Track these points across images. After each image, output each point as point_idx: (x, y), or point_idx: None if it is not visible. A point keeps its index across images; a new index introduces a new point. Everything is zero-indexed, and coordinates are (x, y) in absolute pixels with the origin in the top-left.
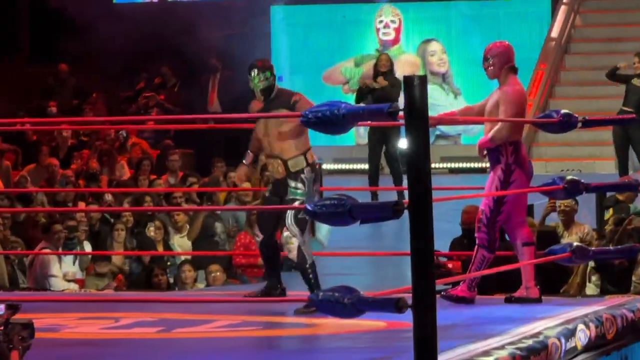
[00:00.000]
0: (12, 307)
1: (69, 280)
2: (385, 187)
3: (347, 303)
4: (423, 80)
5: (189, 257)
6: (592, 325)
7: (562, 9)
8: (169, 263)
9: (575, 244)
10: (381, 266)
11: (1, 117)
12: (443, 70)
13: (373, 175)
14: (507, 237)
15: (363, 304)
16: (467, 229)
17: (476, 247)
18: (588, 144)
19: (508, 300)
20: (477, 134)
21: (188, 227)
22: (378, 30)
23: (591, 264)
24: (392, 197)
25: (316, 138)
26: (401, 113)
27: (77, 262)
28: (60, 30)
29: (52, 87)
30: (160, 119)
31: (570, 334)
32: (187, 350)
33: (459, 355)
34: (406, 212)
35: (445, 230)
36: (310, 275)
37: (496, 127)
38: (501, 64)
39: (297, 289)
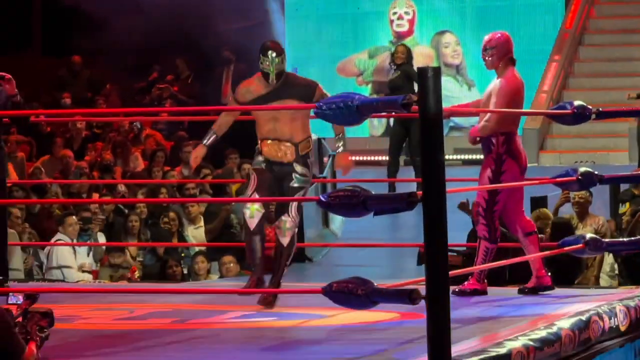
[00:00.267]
0: (31, 297)
1: (83, 271)
2: (398, 179)
3: (361, 294)
4: (437, 71)
5: (203, 248)
6: (605, 317)
7: (576, 1)
8: (182, 254)
9: (589, 235)
10: (395, 257)
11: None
12: (457, 62)
13: (392, 167)
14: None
15: (377, 295)
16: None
17: (478, 240)
18: (602, 135)
19: (521, 292)
20: None
21: (202, 218)
22: (392, 22)
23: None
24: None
25: (329, 129)
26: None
27: (91, 253)
28: (73, 22)
29: (65, 79)
30: (174, 111)
31: (584, 325)
32: (202, 341)
33: (472, 347)
34: (420, 204)
35: (459, 222)
36: (287, 264)
37: (485, 118)
38: (500, 55)
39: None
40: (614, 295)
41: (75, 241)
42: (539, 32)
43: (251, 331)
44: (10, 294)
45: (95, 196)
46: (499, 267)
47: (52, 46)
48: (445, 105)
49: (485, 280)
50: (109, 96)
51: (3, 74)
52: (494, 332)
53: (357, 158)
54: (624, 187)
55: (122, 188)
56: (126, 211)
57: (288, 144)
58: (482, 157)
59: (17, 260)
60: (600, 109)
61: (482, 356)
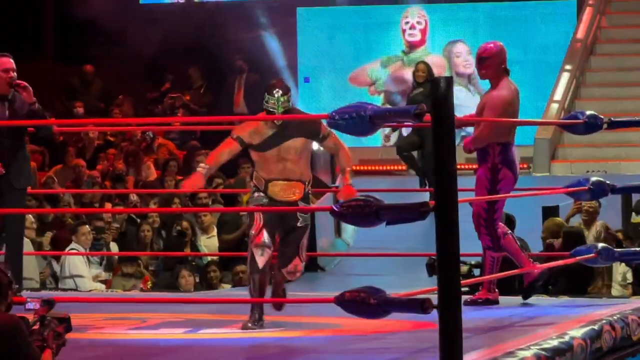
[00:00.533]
0: (48, 303)
1: (96, 281)
2: (409, 189)
3: (373, 303)
4: (449, 81)
5: (215, 257)
6: (617, 327)
7: (588, 10)
8: (193, 262)
9: (600, 245)
10: (407, 267)
11: None
12: (469, 72)
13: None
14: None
15: (389, 305)
16: None
17: (483, 250)
18: (613, 145)
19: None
20: None
21: (215, 228)
22: (404, 31)
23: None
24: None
25: (342, 138)
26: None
27: (104, 263)
28: (86, 31)
29: (77, 88)
30: (187, 120)
31: (596, 334)
32: (214, 350)
33: (484, 356)
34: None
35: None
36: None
37: (478, 131)
38: (494, 65)
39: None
40: (626, 305)
41: (88, 251)
42: (550, 41)
43: (263, 340)
44: (28, 300)
45: (108, 206)
46: (508, 276)
47: (64, 55)
48: (457, 115)
49: (497, 290)
50: (121, 106)
51: (19, 82)
52: (505, 341)
53: (370, 168)
54: (636, 197)
55: (134, 198)
56: (138, 220)
57: (297, 182)
58: None
59: (31, 269)
60: (612, 119)
61: None
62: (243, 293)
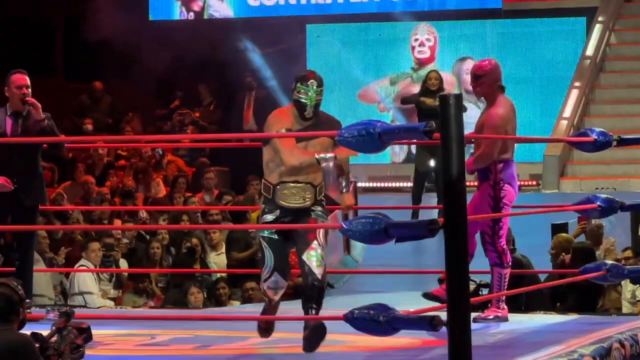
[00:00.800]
0: (66, 314)
1: (105, 298)
2: (420, 206)
3: (382, 321)
4: (458, 98)
5: (224, 274)
6: (627, 344)
7: (597, 27)
8: (199, 277)
9: (610, 262)
10: (416, 284)
11: None
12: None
13: (416, 194)
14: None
15: (398, 322)
16: None
17: (490, 267)
18: (623, 162)
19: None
20: None
21: (224, 245)
22: (413, 48)
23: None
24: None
25: (351, 156)
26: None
27: (113, 279)
28: (95, 48)
29: (87, 105)
30: (196, 137)
31: (606, 352)
32: None
33: None
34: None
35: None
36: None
37: (480, 150)
38: (490, 82)
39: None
40: (635, 322)
41: (98, 267)
42: (559, 58)
43: (272, 357)
44: (48, 309)
45: (117, 222)
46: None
47: (74, 72)
48: (466, 132)
49: (505, 307)
50: (130, 122)
51: (29, 99)
52: (514, 358)
53: (379, 185)
54: None
55: (143, 215)
56: (148, 237)
57: (309, 186)
58: None
59: (44, 286)
60: (621, 136)
61: None
62: (252, 310)
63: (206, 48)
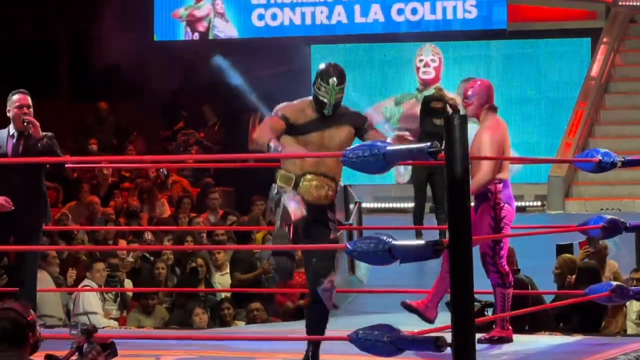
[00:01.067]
0: (87, 332)
1: (108, 318)
2: (425, 227)
3: (387, 341)
4: (463, 119)
5: (228, 294)
6: None
7: (602, 48)
8: (202, 297)
9: (615, 283)
10: None
11: None
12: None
13: (418, 214)
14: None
15: (403, 342)
16: None
17: (493, 288)
18: (628, 183)
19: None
20: (516, 173)
21: (228, 265)
22: (418, 69)
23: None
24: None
25: (356, 176)
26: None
27: (118, 300)
28: (100, 68)
29: (92, 125)
30: (201, 158)
31: None
32: None
33: None
34: None
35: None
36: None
37: (477, 177)
38: (481, 102)
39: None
40: None
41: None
42: (564, 79)
43: None
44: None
45: (122, 242)
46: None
47: (79, 92)
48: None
49: (510, 327)
50: (135, 142)
51: (28, 118)
52: None
53: (383, 205)
54: None
55: (149, 236)
56: (152, 258)
57: (330, 180)
58: None
59: (53, 306)
60: (626, 157)
61: None
62: (257, 330)
63: (211, 68)
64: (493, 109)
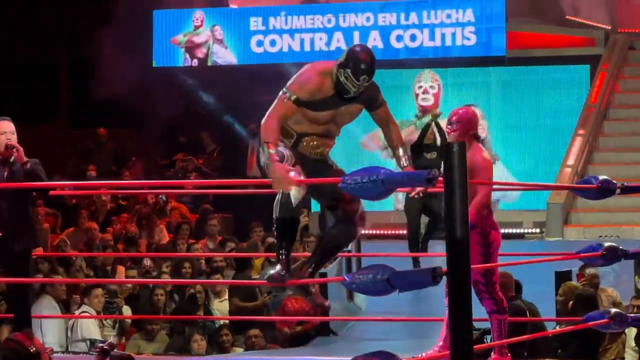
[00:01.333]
0: (104, 353)
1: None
2: (422, 254)
3: None
4: (462, 146)
5: (227, 321)
6: None
7: (601, 75)
8: (201, 324)
9: (613, 310)
10: (420, 331)
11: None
12: (482, 136)
13: (413, 240)
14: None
15: None
16: None
17: (488, 315)
18: (627, 210)
19: None
20: (515, 200)
21: (227, 291)
22: (417, 95)
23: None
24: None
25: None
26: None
27: (117, 326)
28: (100, 94)
29: (91, 151)
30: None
31: None
32: None
33: None
34: None
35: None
36: None
37: (478, 198)
38: (464, 130)
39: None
40: None
41: (101, 314)
42: (563, 106)
43: None
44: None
45: (121, 269)
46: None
47: (78, 118)
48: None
49: (509, 354)
50: (133, 168)
51: (11, 143)
52: None
53: (382, 232)
54: None
55: (148, 262)
56: (151, 285)
57: (328, 140)
58: (506, 231)
59: (53, 333)
60: (625, 184)
61: None
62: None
63: (210, 94)
64: (476, 138)
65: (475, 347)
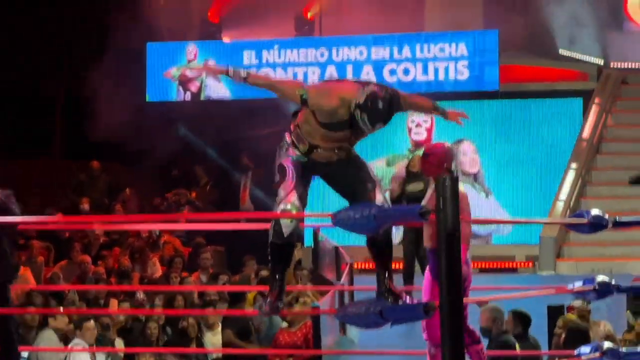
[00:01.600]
0: None
1: None
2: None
3: None
4: (454, 180)
5: (220, 354)
6: None
7: (594, 109)
8: (193, 357)
9: (606, 344)
10: None
11: (34, 213)
12: (474, 171)
13: (407, 274)
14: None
15: None
16: (486, 328)
17: (465, 348)
18: (620, 243)
19: None
20: (507, 233)
21: (220, 324)
22: (410, 130)
23: None
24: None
25: (347, 236)
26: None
27: (109, 359)
28: (93, 127)
29: (84, 184)
30: (192, 218)
31: None
32: None
33: None
34: None
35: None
36: None
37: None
38: (436, 164)
39: None
40: None
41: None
42: (556, 140)
43: None
44: None
45: (113, 302)
46: None
47: (72, 151)
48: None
49: None
50: (127, 201)
51: None
52: None
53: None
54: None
55: (140, 296)
56: (143, 318)
57: (337, 147)
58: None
59: None
60: (618, 218)
61: None
62: None
63: (203, 128)
64: (449, 171)
65: None
